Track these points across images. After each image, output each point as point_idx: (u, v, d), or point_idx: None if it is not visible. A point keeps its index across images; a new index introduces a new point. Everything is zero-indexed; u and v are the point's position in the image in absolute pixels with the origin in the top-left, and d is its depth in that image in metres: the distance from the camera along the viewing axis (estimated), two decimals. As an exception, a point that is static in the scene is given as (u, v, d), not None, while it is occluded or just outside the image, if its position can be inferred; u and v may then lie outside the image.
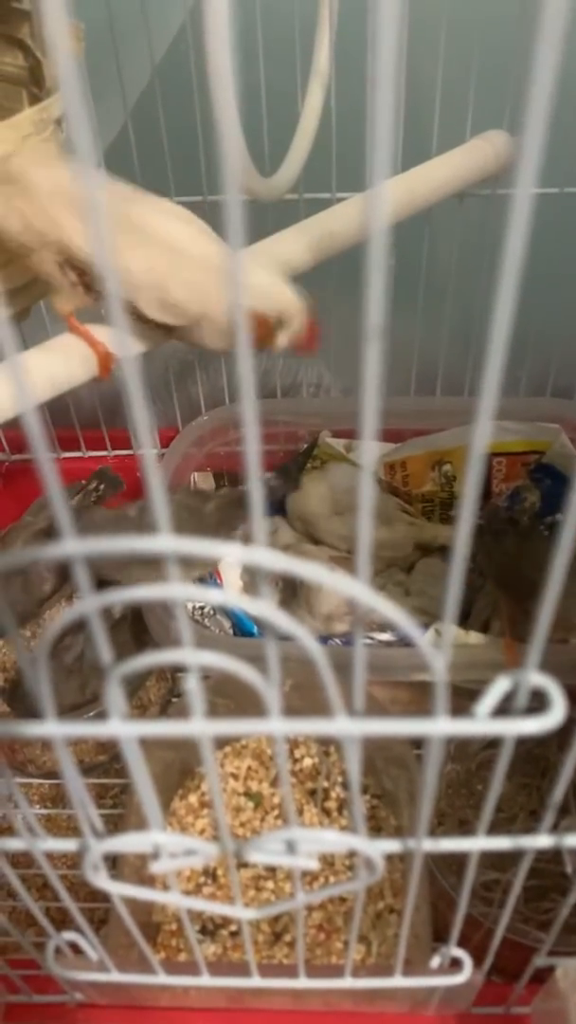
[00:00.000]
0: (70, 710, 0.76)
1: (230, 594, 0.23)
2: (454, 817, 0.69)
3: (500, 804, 0.70)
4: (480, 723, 0.25)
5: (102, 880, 0.34)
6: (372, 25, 0.16)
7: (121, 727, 0.26)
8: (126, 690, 0.86)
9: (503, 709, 0.25)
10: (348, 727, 0.25)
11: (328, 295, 0.73)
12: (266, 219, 0.69)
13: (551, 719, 0.24)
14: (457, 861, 0.60)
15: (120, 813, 0.73)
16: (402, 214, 0.68)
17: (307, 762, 0.70)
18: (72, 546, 0.21)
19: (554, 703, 0.24)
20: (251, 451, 0.20)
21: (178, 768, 0.68)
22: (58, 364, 0.53)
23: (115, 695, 0.25)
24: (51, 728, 0.27)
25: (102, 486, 0.86)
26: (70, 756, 0.29)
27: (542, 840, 0.33)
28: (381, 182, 0.17)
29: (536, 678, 0.25)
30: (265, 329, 0.59)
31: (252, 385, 0.19)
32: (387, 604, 0.21)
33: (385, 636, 0.79)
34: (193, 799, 0.68)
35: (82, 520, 0.77)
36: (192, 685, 0.25)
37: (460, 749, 0.71)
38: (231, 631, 0.84)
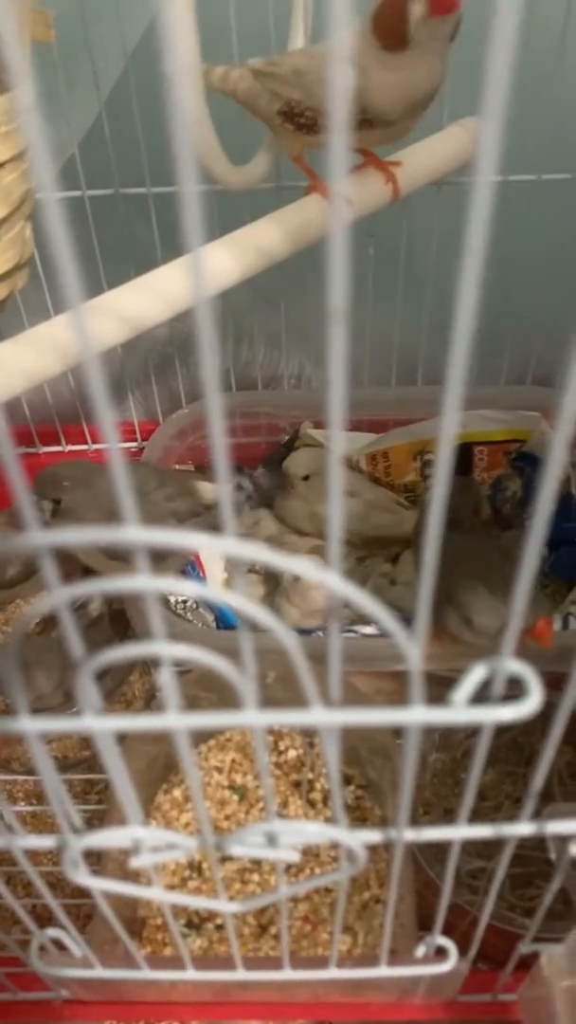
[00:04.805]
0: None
1: (202, 586, 0.22)
2: (440, 806, 0.69)
3: (485, 792, 0.70)
4: (457, 711, 0.25)
5: (82, 876, 0.33)
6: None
7: (95, 722, 0.26)
8: (108, 685, 0.85)
9: (482, 697, 0.25)
10: (324, 717, 0.25)
11: (307, 284, 0.73)
12: (242, 209, 0.68)
13: (528, 706, 0.24)
14: (442, 850, 0.59)
15: (106, 809, 0.73)
16: (378, 203, 0.68)
17: (291, 754, 0.69)
18: (38, 537, 0.20)
19: (531, 690, 0.24)
20: (218, 442, 0.20)
21: (162, 763, 0.68)
22: (31, 357, 0.53)
23: (88, 690, 0.25)
24: (24, 724, 0.26)
25: None
26: (44, 752, 0.28)
27: (523, 827, 0.33)
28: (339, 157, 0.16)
29: (513, 665, 0.25)
30: (399, 9, 0.56)
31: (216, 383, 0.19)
32: (360, 593, 0.21)
33: (369, 629, 0.79)
34: (177, 793, 0.68)
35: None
36: (165, 678, 0.24)
37: (445, 738, 0.71)
38: (214, 625, 0.84)
